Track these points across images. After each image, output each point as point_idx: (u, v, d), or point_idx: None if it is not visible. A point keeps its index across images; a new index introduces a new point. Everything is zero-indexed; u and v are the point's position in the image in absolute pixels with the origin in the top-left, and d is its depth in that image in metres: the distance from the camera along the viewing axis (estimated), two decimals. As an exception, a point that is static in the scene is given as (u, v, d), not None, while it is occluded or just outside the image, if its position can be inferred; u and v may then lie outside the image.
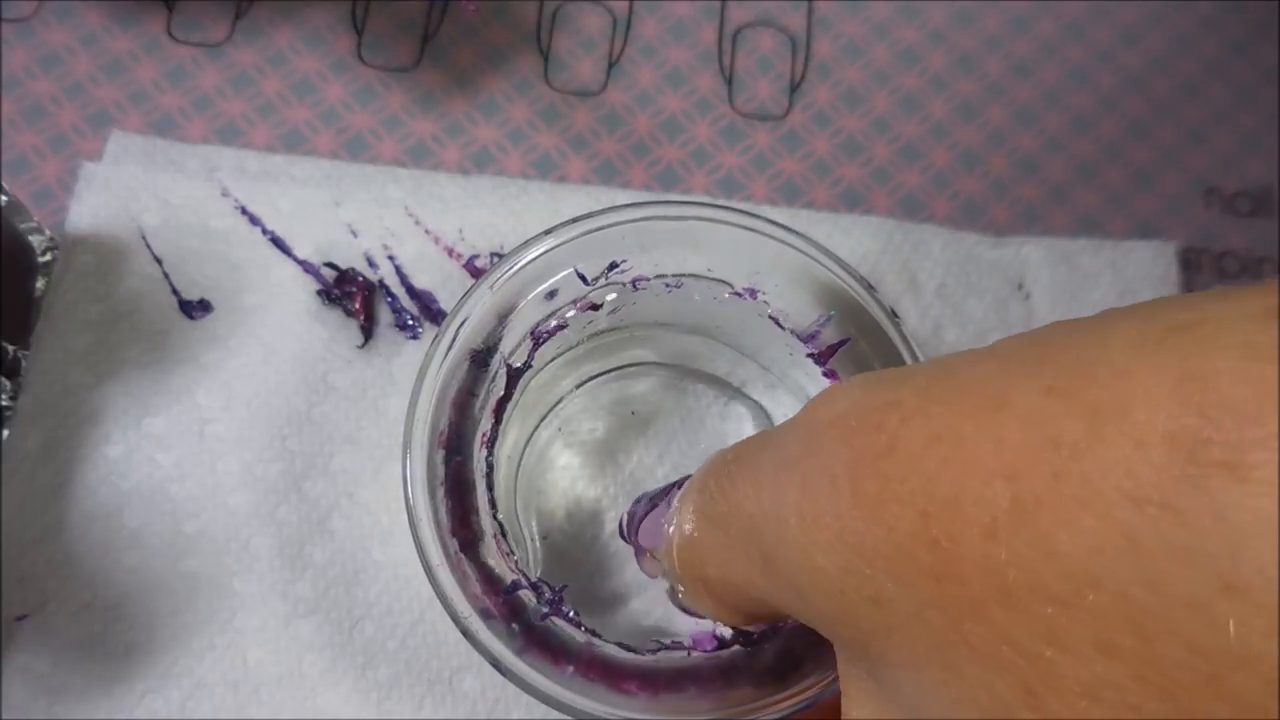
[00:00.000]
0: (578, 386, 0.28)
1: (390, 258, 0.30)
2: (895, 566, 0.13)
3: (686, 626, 0.26)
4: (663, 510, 0.21)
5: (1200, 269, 0.32)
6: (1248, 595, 0.09)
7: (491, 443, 0.23)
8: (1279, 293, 0.10)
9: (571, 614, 0.21)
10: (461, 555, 0.21)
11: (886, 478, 0.13)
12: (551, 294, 0.23)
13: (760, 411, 0.29)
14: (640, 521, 0.22)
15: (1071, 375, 0.11)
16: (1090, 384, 0.11)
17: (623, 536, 0.24)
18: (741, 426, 0.29)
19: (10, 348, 0.28)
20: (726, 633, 0.21)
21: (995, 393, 0.12)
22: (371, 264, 0.30)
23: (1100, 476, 0.10)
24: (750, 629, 0.21)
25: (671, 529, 0.20)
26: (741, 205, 0.31)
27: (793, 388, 0.27)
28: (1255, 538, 0.09)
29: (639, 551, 0.22)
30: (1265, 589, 0.09)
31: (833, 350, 0.24)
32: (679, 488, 0.21)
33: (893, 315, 0.23)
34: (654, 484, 0.28)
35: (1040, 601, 0.11)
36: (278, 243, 0.30)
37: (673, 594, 0.21)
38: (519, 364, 0.23)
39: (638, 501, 0.23)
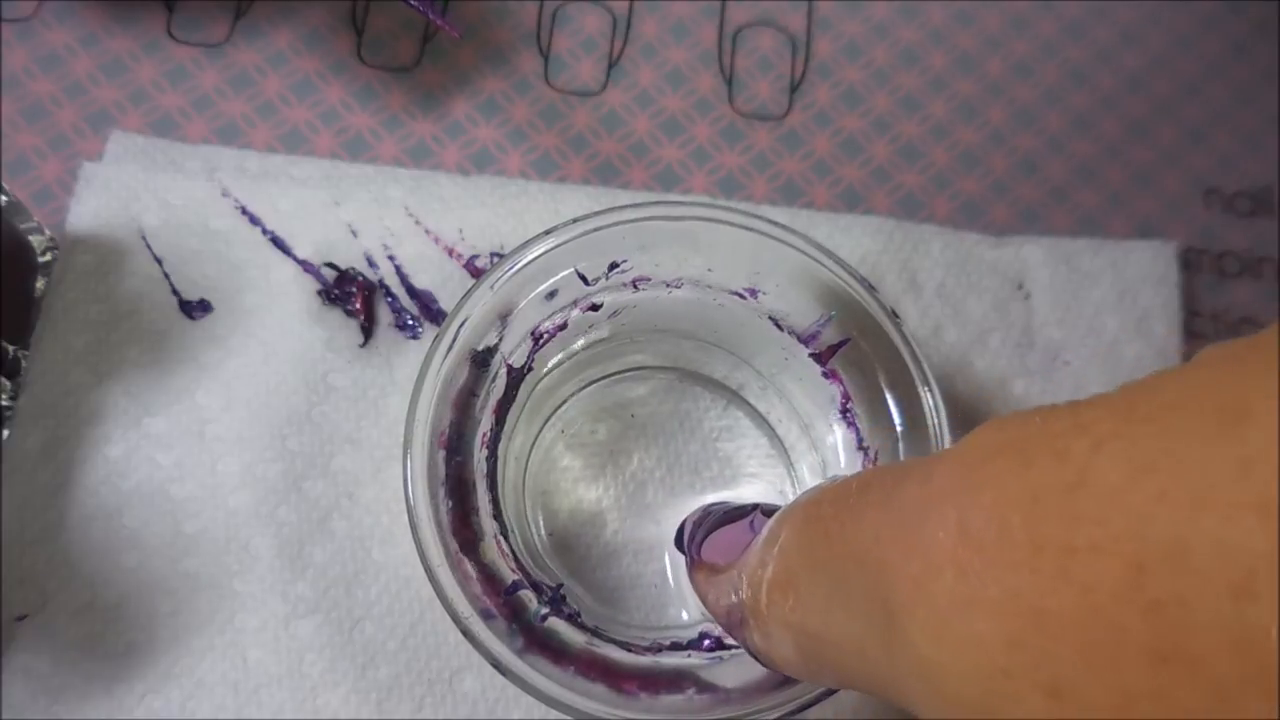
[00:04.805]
0: (579, 390, 0.28)
1: (390, 258, 0.30)
2: (1090, 639, 0.10)
3: (682, 621, 0.26)
4: (743, 530, 0.19)
5: (1200, 269, 0.32)
6: None
7: (493, 443, 0.23)
8: None
9: (572, 613, 0.21)
10: (462, 555, 0.21)
11: (1078, 519, 0.10)
12: (552, 294, 0.23)
13: (757, 415, 0.29)
14: (708, 532, 0.20)
15: None
16: None
17: (678, 544, 0.22)
18: (739, 429, 0.29)
19: (10, 348, 0.28)
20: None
21: (1231, 401, 0.09)
22: (371, 264, 0.30)
23: None
24: None
25: (761, 558, 0.17)
26: (741, 205, 0.31)
27: (783, 392, 0.27)
28: None
29: (694, 564, 0.20)
30: None
31: (833, 350, 0.24)
32: (762, 511, 0.19)
33: (893, 315, 0.23)
34: (654, 485, 0.28)
35: None
36: (278, 243, 0.30)
37: (741, 629, 0.18)
38: (519, 364, 0.23)
39: (707, 512, 0.21)
